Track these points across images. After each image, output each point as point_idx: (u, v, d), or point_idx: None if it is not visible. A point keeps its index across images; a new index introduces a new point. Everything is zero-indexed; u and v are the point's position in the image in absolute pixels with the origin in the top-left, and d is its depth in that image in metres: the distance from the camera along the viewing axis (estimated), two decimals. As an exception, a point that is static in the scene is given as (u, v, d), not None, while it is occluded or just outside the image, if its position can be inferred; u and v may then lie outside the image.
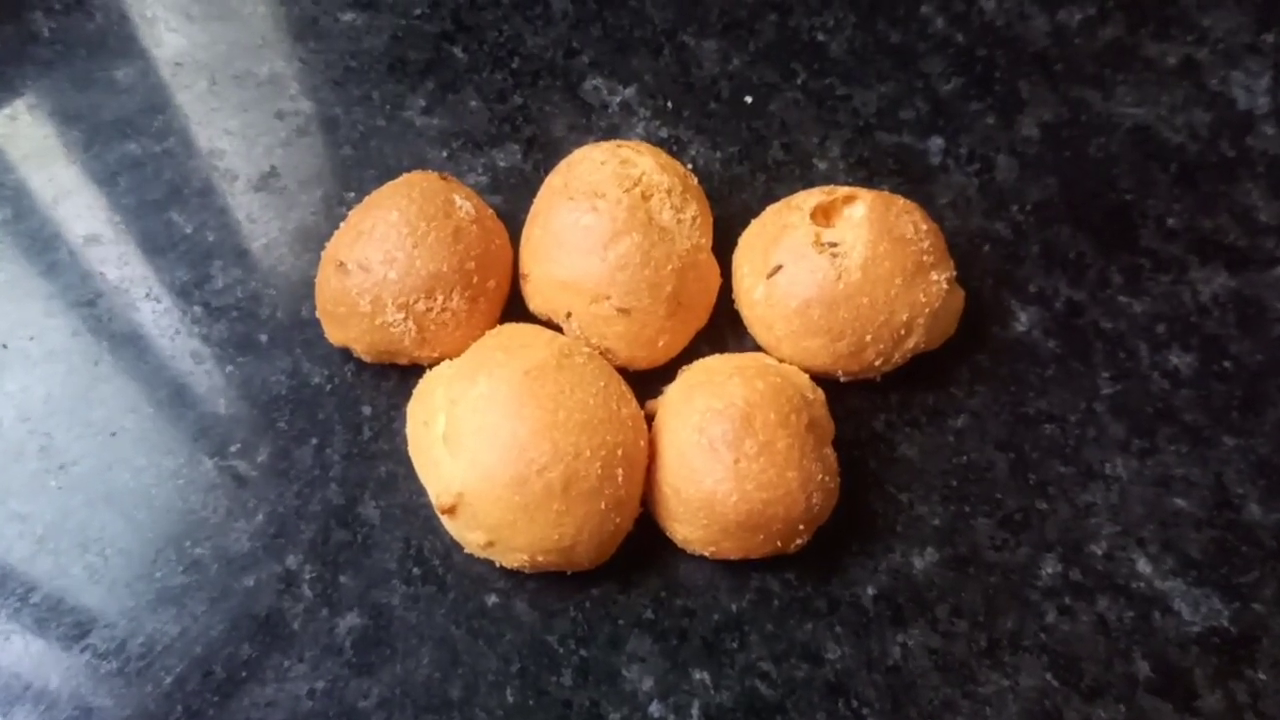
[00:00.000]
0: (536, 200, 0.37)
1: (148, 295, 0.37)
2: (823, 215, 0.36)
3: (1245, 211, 0.40)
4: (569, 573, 0.32)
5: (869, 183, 0.40)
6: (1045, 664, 0.33)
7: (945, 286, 0.35)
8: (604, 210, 0.34)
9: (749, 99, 0.42)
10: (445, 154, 0.40)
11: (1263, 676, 0.33)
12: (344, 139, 0.40)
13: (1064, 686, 0.32)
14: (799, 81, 0.42)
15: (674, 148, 0.41)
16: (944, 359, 0.37)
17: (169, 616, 0.32)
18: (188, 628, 0.32)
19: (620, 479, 0.31)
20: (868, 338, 0.34)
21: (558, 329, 0.35)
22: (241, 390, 0.36)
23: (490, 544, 0.31)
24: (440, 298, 0.33)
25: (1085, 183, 0.41)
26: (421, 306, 0.33)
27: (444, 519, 0.31)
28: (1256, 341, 0.38)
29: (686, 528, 0.33)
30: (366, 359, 0.35)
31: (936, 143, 0.41)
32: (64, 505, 0.34)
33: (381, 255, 0.33)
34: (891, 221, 0.35)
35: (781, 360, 0.36)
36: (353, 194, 0.39)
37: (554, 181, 0.36)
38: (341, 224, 0.36)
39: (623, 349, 0.35)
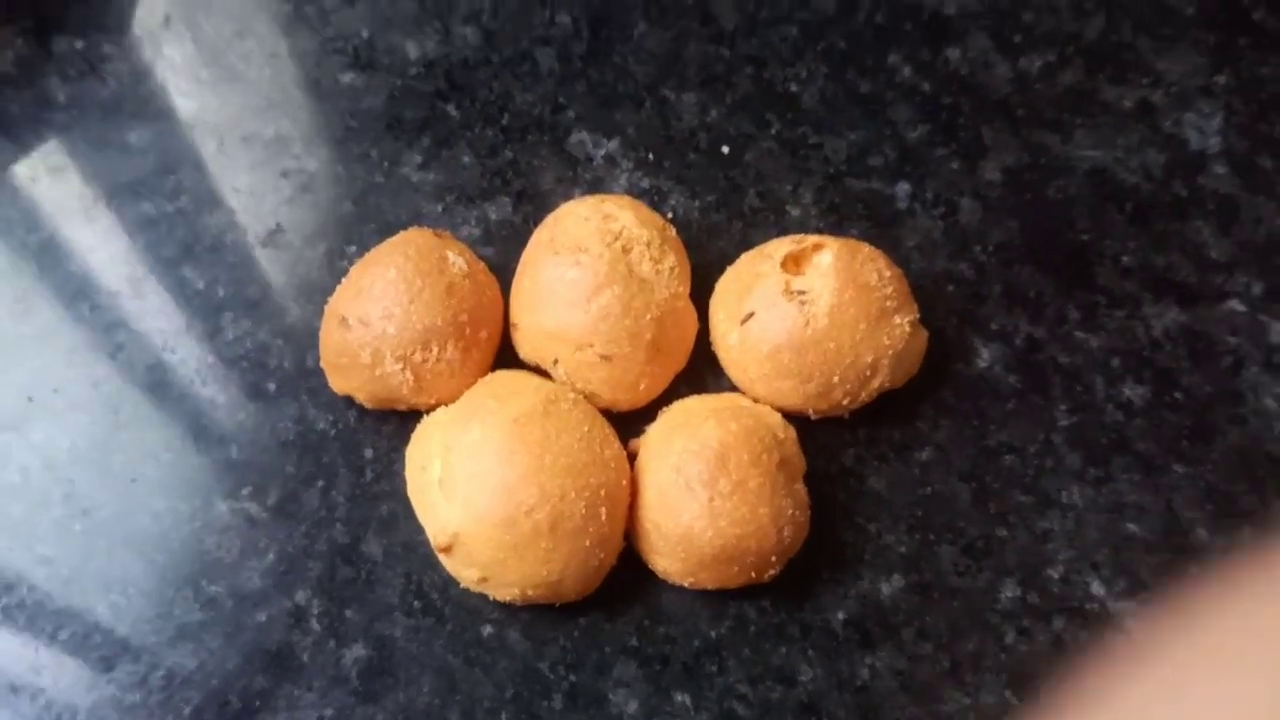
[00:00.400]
0: (525, 254, 0.39)
1: (164, 347, 0.40)
2: (793, 263, 0.38)
3: (1196, 249, 0.43)
4: (558, 604, 0.35)
5: (839, 227, 0.43)
6: (1004, 682, 0.35)
7: (908, 329, 0.37)
8: (587, 264, 0.37)
9: (726, 149, 0.45)
10: (440, 208, 0.43)
11: (1209, 692, 0.35)
12: (345, 195, 0.43)
13: (1023, 703, 0.35)
14: (773, 131, 0.45)
15: (655, 197, 0.43)
16: (910, 396, 0.39)
17: (187, 651, 0.35)
18: (205, 661, 0.35)
19: (604, 517, 0.34)
20: (835, 379, 0.37)
21: (546, 375, 0.38)
22: (252, 436, 0.38)
23: (484, 580, 0.33)
24: (435, 349, 0.36)
25: (1045, 224, 0.43)
26: (418, 357, 0.36)
27: (441, 557, 0.34)
28: (1206, 374, 0.40)
29: (667, 560, 0.35)
30: (368, 406, 0.38)
31: (904, 188, 0.44)
32: (88, 548, 0.37)
33: (380, 311, 0.36)
34: (856, 269, 0.37)
35: (756, 400, 0.38)
36: (354, 247, 0.42)
37: (541, 236, 0.39)
38: (343, 280, 0.38)
39: (606, 393, 0.37)
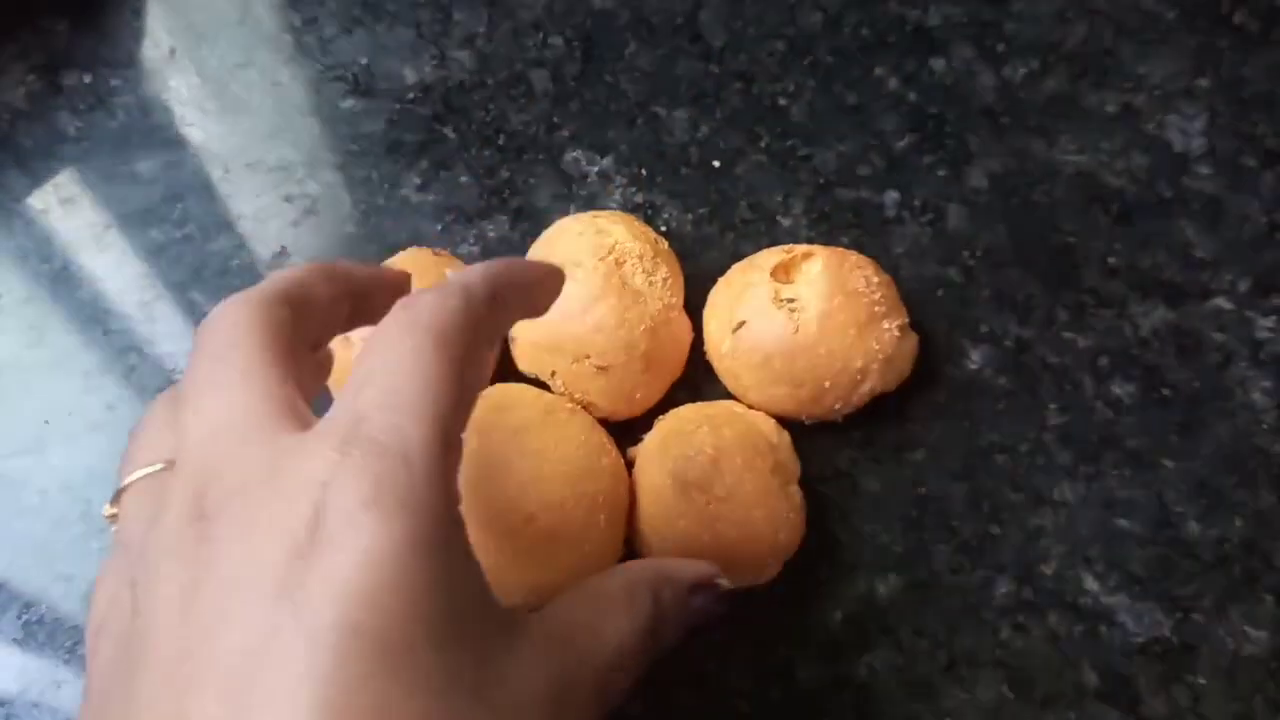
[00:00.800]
0: None
1: (175, 369, 0.41)
2: (783, 272, 0.39)
3: (1182, 248, 0.44)
4: (561, 609, 0.36)
5: (830, 236, 0.44)
6: (1001, 677, 0.36)
7: (897, 334, 0.39)
8: (581, 278, 0.38)
9: (717, 163, 0.46)
10: (440, 227, 0.44)
11: (1203, 681, 0.36)
12: (347, 217, 0.45)
13: (1019, 697, 0.36)
14: (763, 144, 0.46)
15: (649, 211, 0.45)
16: (902, 398, 0.40)
17: (202, 662, 0.36)
18: (220, 672, 0.36)
19: (603, 523, 0.35)
20: (826, 384, 0.38)
21: (545, 386, 0.39)
22: (261, 453, 0.40)
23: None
24: (436, 364, 0.37)
25: (1031, 227, 0.45)
26: (420, 373, 0.37)
27: None
28: (1194, 370, 0.41)
29: (666, 564, 0.36)
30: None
31: (892, 196, 0.45)
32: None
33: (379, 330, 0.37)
34: (845, 276, 0.38)
35: (751, 406, 0.39)
36: (356, 268, 0.43)
37: (536, 252, 0.41)
38: None
39: (604, 403, 0.39)
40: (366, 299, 0.28)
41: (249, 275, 0.43)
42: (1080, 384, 0.41)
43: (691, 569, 0.28)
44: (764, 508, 0.35)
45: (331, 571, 0.19)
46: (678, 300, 0.40)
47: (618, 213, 0.41)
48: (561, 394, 0.39)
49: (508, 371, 0.40)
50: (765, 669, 0.36)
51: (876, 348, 0.38)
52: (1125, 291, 0.43)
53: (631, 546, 0.37)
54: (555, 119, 0.47)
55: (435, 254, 0.40)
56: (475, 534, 0.33)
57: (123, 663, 0.21)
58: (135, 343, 0.42)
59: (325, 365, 0.31)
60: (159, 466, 0.24)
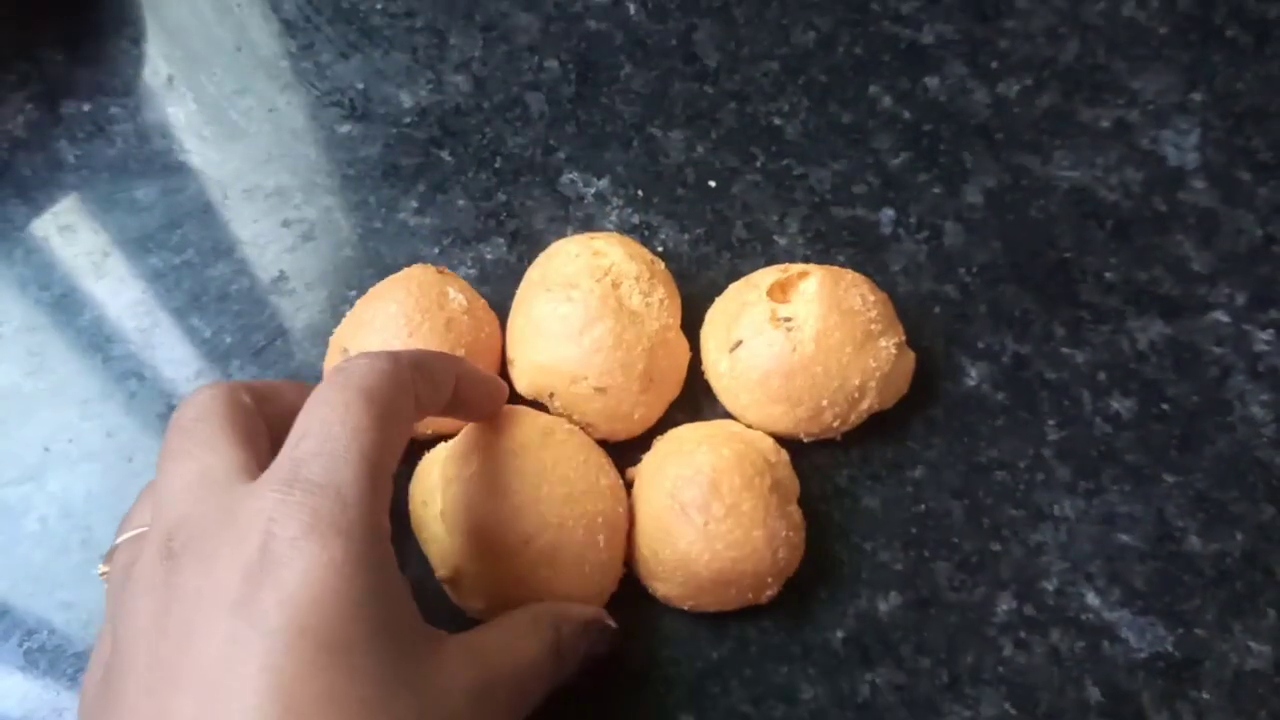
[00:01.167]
0: (519, 292, 0.41)
1: (175, 395, 0.42)
2: (780, 291, 0.40)
3: (1178, 262, 0.45)
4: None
5: (826, 255, 0.45)
6: (1004, 694, 0.36)
7: (894, 351, 0.39)
8: (578, 300, 0.39)
9: (713, 183, 0.47)
10: (437, 250, 0.45)
11: (1206, 696, 0.36)
12: (345, 241, 0.45)
13: (1022, 714, 0.36)
14: (758, 164, 0.47)
15: (645, 232, 0.45)
16: (900, 416, 0.41)
17: (203, 689, 0.37)
18: (220, 698, 0.36)
19: (602, 543, 0.35)
20: (824, 402, 0.38)
21: (543, 408, 0.40)
22: (261, 478, 0.40)
23: (488, 609, 0.35)
24: (435, 384, 0.38)
25: (1027, 243, 0.45)
26: (418, 392, 0.38)
27: (447, 589, 0.36)
28: (1192, 384, 0.42)
29: (666, 586, 0.37)
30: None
31: (887, 214, 0.46)
32: (106, 592, 0.38)
33: (380, 343, 0.38)
34: (840, 295, 0.39)
35: (749, 425, 0.40)
36: (355, 292, 0.44)
37: (533, 274, 0.41)
38: (347, 312, 0.41)
39: (602, 423, 0.39)
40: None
41: (248, 300, 0.44)
42: (1079, 399, 0.42)
43: (586, 612, 0.33)
44: (764, 527, 0.36)
45: (279, 586, 0.23)
46: (675, 320, 0.40)
47: (614, 234, 0.42)
48: (560, 415, 0.39)
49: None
50: (766, 689, 0.36)
51: (874, 365, 0.38)
52: (1122, 306, 0.44)
53: (631, 567, 0.37)
54: (551, 141, 0.48)
55: (438, 271, 0.41)
56: (472, 558, 0.33)
57: (106, 685, 0.25)
58: (135, 369, 0.43)
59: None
60: (143, 529, 0.29)
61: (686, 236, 0.45)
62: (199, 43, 0.50)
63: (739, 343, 0.39)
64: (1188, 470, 0.40)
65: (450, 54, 0.50)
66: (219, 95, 0.49)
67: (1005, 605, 0.38)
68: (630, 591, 0.37)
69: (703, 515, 0.35)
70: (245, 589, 0.23)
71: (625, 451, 0.39)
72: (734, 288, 0.41)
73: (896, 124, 0.48)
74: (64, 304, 0.44)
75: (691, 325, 0.41)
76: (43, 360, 0.43)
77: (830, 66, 0.50)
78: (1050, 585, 0.38)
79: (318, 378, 0.41)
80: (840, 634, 0.37)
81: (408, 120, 0.48)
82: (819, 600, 0.38)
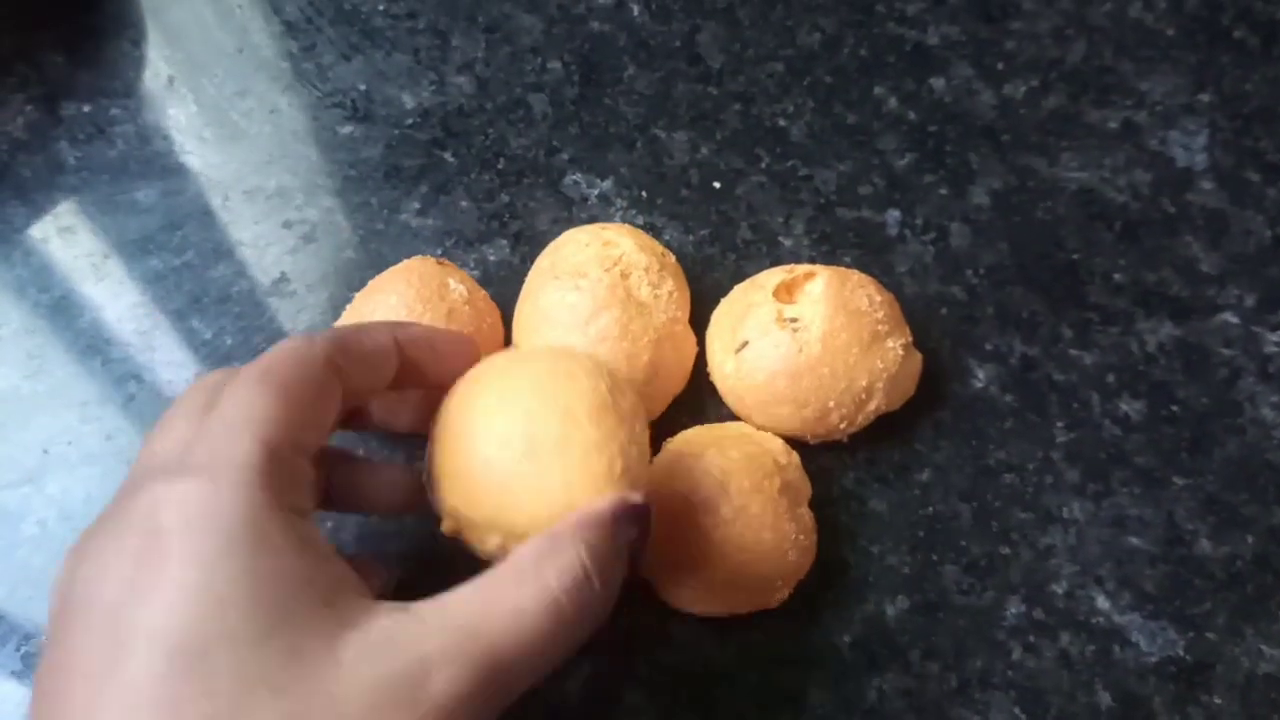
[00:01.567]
0: (527, 280, 0.41)
1: (174, 398, 0.42)
2: (785, 292, 0.40)
3: (1187, 263, 0.45)
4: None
5: (831, 256, 0.45)
6: (1013, 699, 0.36)
7: (901, 352, 0.39)
8: (586, 289, 0.39)
9: (717, 184, 0.47)
10: (440, 251, 0.45)
11: (1218, 700, 0.36)
12: (346, 243, 0.45)
13: (1031, 719, 0.36)
14: (763, 165, 0.47)
15: (650, 233, 0.45)
16: (908, 417, 0.41)
17: (203, 694, 0.37)
18: (220, 703, 0.36)
19: (588, 422, 0.30)
20: (831, 404, 0.38)
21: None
22: (262, 481, 0.40)
23: (502, 544, 0.31)
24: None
25: (1034, 245, 0.45)
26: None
27: (468, 545, 0.32)
28: (1202, 386, 0.42)
29: (676, 589, 0.37)
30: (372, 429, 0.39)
31: (894, 215, 0.46)
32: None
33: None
34: (847, 295, 0.39)
35: (757, 427, 0.40)
36: (356, 293, 0.44)
37: (542, 263, 0.41)
38: (347, 306, 0.41)
39: (607, 420, 0.39)
40: None
41: (249, 302, 0.44)
42: (1087, 401, 0.42)
43: (604, 501, 0.28)
44: (774, 530, 0.36)
45: (147, 591, 0.23)
46: (683, 314, 0.40)
47: (625, 225, 0.42)
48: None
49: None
50: (775, 692, 0.36)
51: (880, 367, 0.38)
52: (1131, 308, 0.44)
53: (641, 571, 0.37)
54: (555, 142, 0.48)
55: (439, 263, 0.41)
56: (458, 493, 0.31)
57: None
58: (134, 371, 0.43)
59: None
60: None
61: (691, 238, 0.45)
62: (200, 44, 0.51)
63: (745, 344, 0.39)
64: (1198, 473, 0.40)
65: (453, 55, 0.50)
66: (220, 97, 0.49)
67: (1014, 609, 0.38)
68: (639, 595, 0.37)
69: (713, 518, 0.35)
70: (124, 598, 0.23)
71: (630, 454, 0.39)
72: (739, 289, 0.41)
73: (902, 125, 0.48)
74: (63, 306, 0.44)
75: (697, 326, 0.41)
76: (42, 363, 0.43)
77: (835, 68, 0.50)
78: (1060, 589, 0.38)
79: (319, 380, 0.41)
80: (847, 638, 0.37)
81: (410, 121, 0.49)
82: (826, 604, 0.38)
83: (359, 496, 0.34)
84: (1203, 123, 0.48)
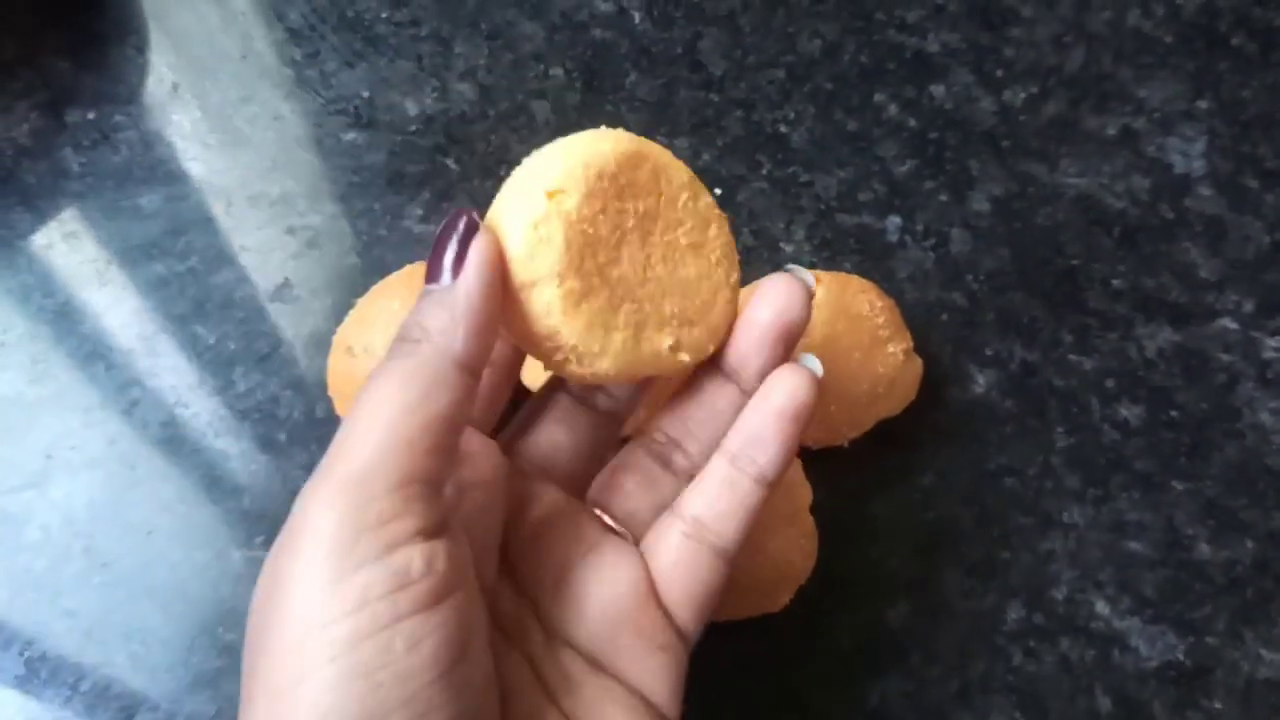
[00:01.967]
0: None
1: (177, 403, 0.42)
2: (787, 297, 0.40)
3: (1186, 269, 0.45)
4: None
5: (833, 262, 0.45)
6: (1014, 703, 0.37)
7: (902, 357, 0.39)
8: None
9: (719, 190, 0.47)
10: (442, 258, 0.45)
11: (1218, 705, 0.36)
12: (349, 249, 0.46)
13: (1032, 724, 0.36)
14: (764, 172, 0.48)
15: (651, 240, 0.46)
16: (909, 423, 0.41)
17: (205, 697, 0.37)
18: (223, 708, 0.37)
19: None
20: (832, 409, 0.39)
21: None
22: (265, 486, 0.41)
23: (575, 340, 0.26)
24: (439, 384, 0.38)
25: (1034, 251, 0.46)
26: (423, 394, 0.38)
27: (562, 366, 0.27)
28: (1201, 391, 0.42)
29: (674, 592, 0.37)
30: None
31: (894, 221, 0.46)
32: (107, 600, 0.39)
33: (384, 340, 0.39)
34: (848, 301, 0.39)
35: (757, 432, 0.40)
36: (359, 299, 0.44)
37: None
38: (350, 311, 0.41)
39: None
40: None
41: (251, 308, 0.44)
42: (1087, 406, 0.42)
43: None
44: (777, 535, 0.36)
45: None
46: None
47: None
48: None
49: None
50: (777, 697, 0.37)
51: (881, 371, 0.39)
52: (1130, 313, 0.44)
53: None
54: (556, 149, 0.48)
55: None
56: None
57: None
58: (137, 376, 0.43)
59: None
60: None
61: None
62: (204, 51, 0.51)
63: (746, 349, 0.39)
64: (1197, 477, 0.41)
65: (455, 62, 0.51)
66: (223, 103, 0.50)
67: (1015, 613, 0.38)
68: (637, 599, 0.37)
69: (711, 521, 0.36)
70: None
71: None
72: (741, 294, 0.42)
73: (903, 132, 0.49)
74: (67, 312, 0.44)
75: (698, 332, 0.42)
76: (45, 368, 0.43)
77: (836, 74, 0.50)
78: (1060, 593, 0.38)
79: (322, 386, 0.41)
80: (849, 642, 0.38)
81: (413, 128, 0.49)
82: (827, 608, 0.38)
83: None
84: (1201, 129, 0.49)
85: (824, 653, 0.37)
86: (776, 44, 0.51)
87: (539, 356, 0.27)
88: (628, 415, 0.32)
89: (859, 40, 0.51)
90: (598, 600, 0.27)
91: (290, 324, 0.44)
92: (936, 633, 0.38)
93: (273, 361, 0.43)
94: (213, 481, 0.41)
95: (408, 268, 0.42)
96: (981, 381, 0.43)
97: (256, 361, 0.43)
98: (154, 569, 0.39)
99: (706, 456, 0.29)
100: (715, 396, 0.29)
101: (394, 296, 0.40)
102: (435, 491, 0.23)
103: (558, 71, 0.51)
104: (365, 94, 0.50)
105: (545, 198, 0.25)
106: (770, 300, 0.29)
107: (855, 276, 0.41)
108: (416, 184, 0.47)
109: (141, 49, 0.51)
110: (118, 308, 0.45)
